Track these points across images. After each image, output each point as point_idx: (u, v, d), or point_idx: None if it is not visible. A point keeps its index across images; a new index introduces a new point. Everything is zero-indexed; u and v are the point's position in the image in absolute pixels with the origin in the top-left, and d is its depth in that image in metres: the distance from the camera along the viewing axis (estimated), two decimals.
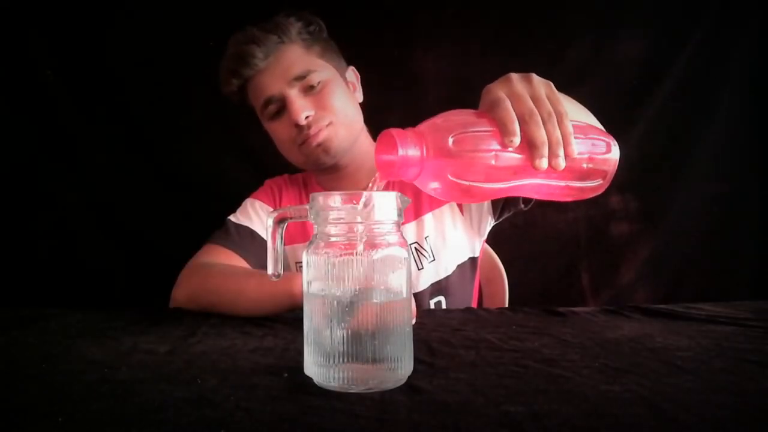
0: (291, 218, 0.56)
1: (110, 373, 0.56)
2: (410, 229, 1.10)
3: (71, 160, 1.39)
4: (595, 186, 0.66)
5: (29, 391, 0.51)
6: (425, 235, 1.10)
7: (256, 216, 1.11)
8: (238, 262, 1.02)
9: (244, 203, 1.14)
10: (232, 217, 1.11)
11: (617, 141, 0.66)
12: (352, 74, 1.14)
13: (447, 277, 1.10)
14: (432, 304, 1.09)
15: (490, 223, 1.14)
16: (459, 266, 1.12)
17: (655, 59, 1.47)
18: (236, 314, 0.84)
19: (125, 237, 1.42)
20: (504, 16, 1.44)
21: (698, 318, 0.82)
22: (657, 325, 0.78)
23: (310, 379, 0.52)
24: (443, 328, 0.76)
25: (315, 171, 1.14)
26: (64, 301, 1.06)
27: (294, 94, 1.02)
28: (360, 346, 0.49)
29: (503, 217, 1.14)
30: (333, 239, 0.51)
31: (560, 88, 0.64)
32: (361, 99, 1.13)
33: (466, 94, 1.22)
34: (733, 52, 1.48)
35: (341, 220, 0.51)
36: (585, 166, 0.63)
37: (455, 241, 1.11)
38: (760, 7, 1.48)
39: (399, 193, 0.53)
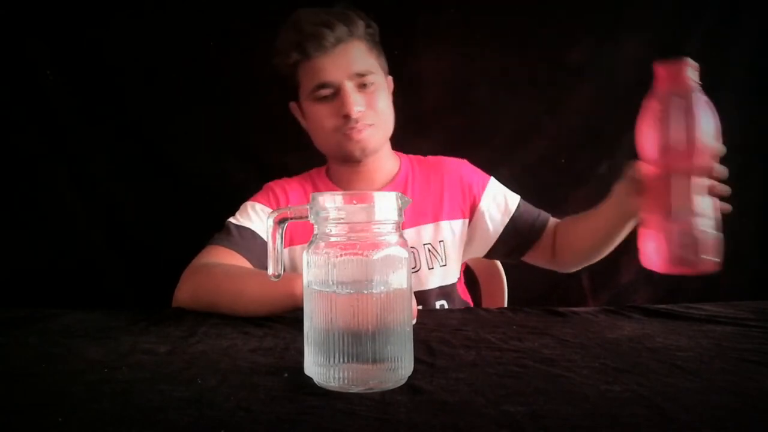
0: (291, 218, 0.56)
1: (110, 373, 0.56)
2: (427, 230, 1.13)
3: (71, 160, 1.39)
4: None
5: (29, 391, 0.51)
6: (440, 239, 1.13)
7: (256, 217, 1.10)
8: (241, 261, 1.01)
9: (243, 206, 1.14)
10: (232, 219, 1.10)
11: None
12: (389, 83, 1.16)
13: (452, 284, 1.14)
14: (437, 306, 1.11)
15: (471, 254, 1.19)
16: (458, 279, 1.16)
17: (655, 59, 1.47)
18: (237, 314, 0.84)
19: (125, 237, 1.42)
20: (504, 17, 1.44)
21: (698, 318, 0.82)
22: (657, 325, 0.78)
23: (310, 379, 0.52)
24: (443, 328, 0.76)
25: (339, 161, 1.14)
26: (64, 301, 1.06)
27: (351, 88, 1.04)
28: (360, 346, 0.49)
29: (490, 257, 1.21)
30: (333, 239, 0.51)
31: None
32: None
33: (466, 95, 1.22)
34: (733, 52, 1.48)
35: (341, 220, 0.51)
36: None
37: (460, 255, 1.16)
38: (760, 7, 1.48)
39: (399, 194, 0.53)
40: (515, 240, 1.16)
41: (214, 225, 1.11)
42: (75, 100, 1.38)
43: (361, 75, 1.05)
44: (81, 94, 1.38)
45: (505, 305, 1.30)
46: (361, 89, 1.05)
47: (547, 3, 1.46)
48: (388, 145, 1.16)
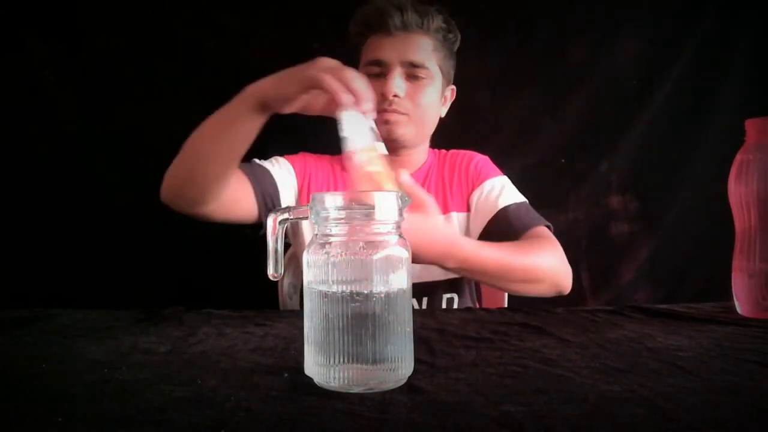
0: (291, 218, 0.56)
1: (110, 373, 0.56)
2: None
3: (71, 159, 1.39)
4: None
5: (29, 391, 0.51)
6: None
7: (276, 163, 1.12)
8: (246, 185, 1.03)
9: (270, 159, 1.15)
10: (256, 160, 1.11)
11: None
12: (450, 92, 1.18)
13: (462, 278, 1.13)
14: (445, 299, 1.11)
15: None
16: None
17: (655, 59, 1.47)
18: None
19: (125, 237, 1.42)
20: (504, 16, 1.44)
21: (698, 318, 0.82)
22: (657, 325, 0.78)
23: (310, 379, 0.52)
24: (443, 328, 0.76)
25: None
26: (64, 301, 1.06)
27: (399, 72, 1.06)
28: (360, 346, 0.49)
29: None
30: (333, 239, 0.51)
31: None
32: (443, 115, 1.18)
33: (466, 94, 1.22)
34: (732, 52, 1.48)
35: (341, 220, 0.51)
36: None
37: None
38: (760, 8, 1.48)
39: (400, 194, 0.53)
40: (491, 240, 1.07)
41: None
42: (75, 101, 1.38)
43: (414, 66, 1.06)
44: (81, 95, 1.38)
45: (505, 305, 1.30)
46: (409, 79, 1.07)
47: (547, 2, 1.46)
48: (422, 149, 1.18)
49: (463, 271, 0.90)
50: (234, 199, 0.99)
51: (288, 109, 0.84)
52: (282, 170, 1.11)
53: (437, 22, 1.08)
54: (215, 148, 0.88)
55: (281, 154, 1.17)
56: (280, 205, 1.07)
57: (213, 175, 0.91)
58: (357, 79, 0.76)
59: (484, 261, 0.88)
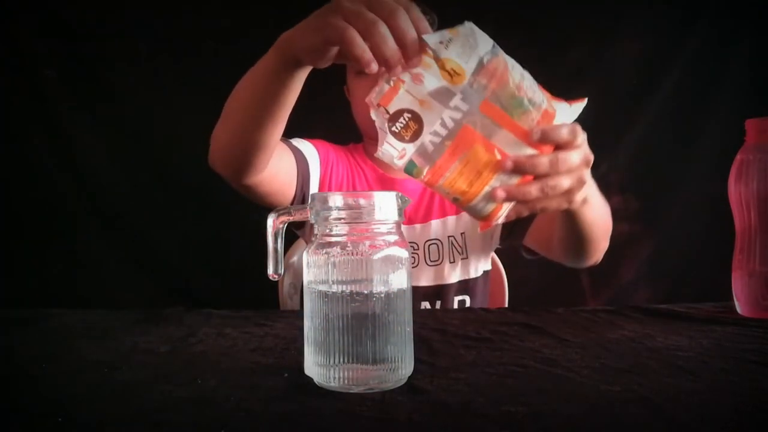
0: (292, 218, 0.56)
1: (110, 373, 0.56)
2: (452, 221, 1.12)
3: (71, 160, 1.39)
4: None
5: (29, 391, 0.51)
6: (461, 231, 1.12)
7: (304, 146, 1.08)
8: (289, 158, 1.01)
9: None
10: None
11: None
12: None
13: (475, 279, 1.13)
14: (456, 301, 1.11)
15: (494, 246, 1.18)
16: (484, 272, 1.16)
17: (655, 59, 1.47)
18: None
19: (125, 237, 1.42)
20: (504, 17, 1.44)
21: (698, 318, 0.82)
22: (657, 325, 0.78)
23: (310, 379, 0.52)
24: (443, 328, 0.76)
25: (375, 141, 1.13)
26: (64, 301, 1.06)
27: None
28: (360, 346, 0.49)
29: (504, 244, 1.18)
30: (333, 239, 0.52)
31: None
32: None
33: None
34: (732, 52, 1.48)
35: (341, 220, 0.51)
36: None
37: (484, 247, 1.15)
38: (760, 8, 1.48)
39: (399, 193, 0.53)
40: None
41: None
42: (76, 102, 1.38)
43: None
44: (81, 93, 1.38)
45: (506, 305, 1.30)
46: None
47: (547, 2, 1.46)
48: None
49: (587, 206, 0.81)
50: (278, 171, 0.95)
51: (324, 64, 0.66)
52: (310, 153, 1.08)
53: (413, 5, 1.05)
54: (251, 110, 0.77)
55: (301, 137, 1.13)
56: (309, 188, 1.05)
57: (254, 141, 0.80)
58: (389, 41, 0.60)
59: (601, 208, 0.87)
